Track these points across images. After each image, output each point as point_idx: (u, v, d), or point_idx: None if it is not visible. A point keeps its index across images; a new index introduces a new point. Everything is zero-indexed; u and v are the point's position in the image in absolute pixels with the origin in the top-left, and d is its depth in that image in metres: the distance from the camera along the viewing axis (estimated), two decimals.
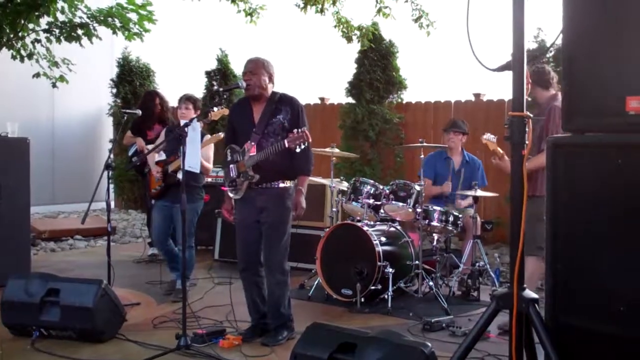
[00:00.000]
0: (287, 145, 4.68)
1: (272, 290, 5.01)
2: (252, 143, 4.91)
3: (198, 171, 6.00)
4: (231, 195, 5.09)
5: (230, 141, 5.13)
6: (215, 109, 5.41)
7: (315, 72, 16.03)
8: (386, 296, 5.93)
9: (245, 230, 5.04)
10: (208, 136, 6.50)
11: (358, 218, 6.51)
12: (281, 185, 4.96)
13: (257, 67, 4.95)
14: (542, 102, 5.37)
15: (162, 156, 6.47)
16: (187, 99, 6.40)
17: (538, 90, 5.36)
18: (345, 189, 6.85)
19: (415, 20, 9.22)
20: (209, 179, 8.60)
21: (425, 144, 6.51)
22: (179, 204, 6.05)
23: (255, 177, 4.87)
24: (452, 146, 7.21)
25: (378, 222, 6.54)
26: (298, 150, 4.69)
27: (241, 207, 5.06)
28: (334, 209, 6.99)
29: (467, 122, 7.54)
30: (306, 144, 4.69)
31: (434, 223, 6.35)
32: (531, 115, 3.33)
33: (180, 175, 6.06)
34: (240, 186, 4.98)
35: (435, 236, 6.45)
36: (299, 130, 4.68)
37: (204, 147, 6.36)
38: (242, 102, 5.22)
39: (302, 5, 8.94)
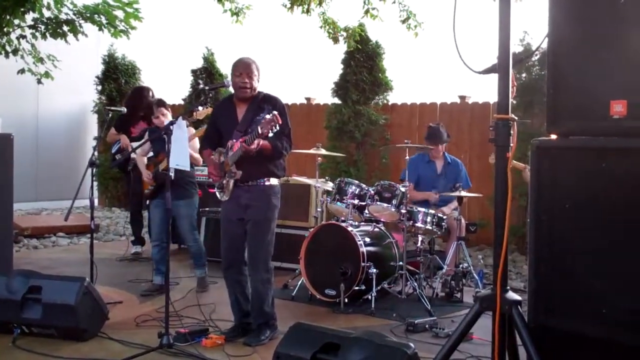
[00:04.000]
0: (260, 131, 4.62)
1: (256, 288, 4.99)
2: (234, 140, 4.90)
3: (187, 169, 5.95)
4: (219, 197, 5.07)
5: (211, 140, 5.11)
6: (200, 108, 5.39)
7: (301, 72, 16.01)
8: (370, 297, 5.93)
9: (229, 227, 5.03)
10: (192, 129, 6.40)
11: (342, 218, 6.51)
12: (266, 183, 4.96)
13: (251, 70, 4.95)
14: None
15: (150, 154, 6.44)
16: (159, 106, 6.26)
17: None
18: (330, 189, 6.84)
19: (403, 22, 9.21)
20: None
21: (410, 145, 6.53)
22: (176, 201, 6.07)
23: (237, 173, 4.85)
24: (434, 155, 7.21)
25: (362, 223, 6.54)
26: (271, 134, 4.64)
27: (226, 204, 5.06)
28: (319, 209, 6.99)
29: (452, 125, 7.56)
30: (278, 127, 4.60)
31: (418, 224, 6.36)
32: (516, 118, 3.35)
33: (172, 173, 6.07)
34: (227, 186, 4.96)
35: (420, 237, 6.46)
36: (271, 114, 4.63)
37: (191, 140, 6.27)
38: (225, 101, 5.20)
39: (289, 5, 8.93)
